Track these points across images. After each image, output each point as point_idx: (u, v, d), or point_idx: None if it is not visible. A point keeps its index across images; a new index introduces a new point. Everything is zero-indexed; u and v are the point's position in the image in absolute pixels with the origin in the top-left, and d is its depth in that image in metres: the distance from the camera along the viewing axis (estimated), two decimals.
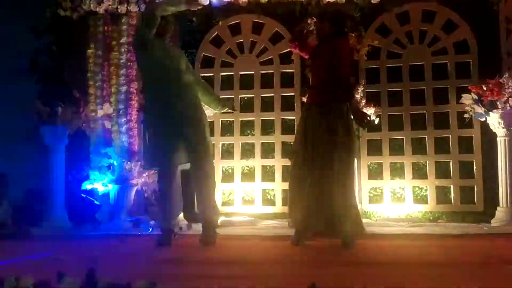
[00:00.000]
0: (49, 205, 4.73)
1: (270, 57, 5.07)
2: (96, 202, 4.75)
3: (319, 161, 3.16)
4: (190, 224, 4.30)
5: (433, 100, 4.78)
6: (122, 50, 5.28)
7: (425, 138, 4.77)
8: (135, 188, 4.82)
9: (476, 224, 4.42)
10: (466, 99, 4.47)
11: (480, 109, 4.39)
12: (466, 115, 4.54)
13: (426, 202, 4.72)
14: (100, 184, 4.77)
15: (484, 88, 4.33)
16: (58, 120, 4.85)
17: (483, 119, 4.46)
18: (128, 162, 4.88)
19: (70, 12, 5.31)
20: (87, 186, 4.80)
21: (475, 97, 4.40)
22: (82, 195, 4.76)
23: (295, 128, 4.88)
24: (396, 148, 4.84)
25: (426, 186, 4.74)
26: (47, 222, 4.66)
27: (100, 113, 5.18)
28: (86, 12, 5.29)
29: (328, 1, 4.79)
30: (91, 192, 4.83)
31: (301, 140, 3.25)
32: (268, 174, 5.02)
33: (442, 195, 4.73)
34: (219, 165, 5.05)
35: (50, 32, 5.40)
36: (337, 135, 3.13)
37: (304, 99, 3.58)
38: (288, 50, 4.99)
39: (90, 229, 4.55)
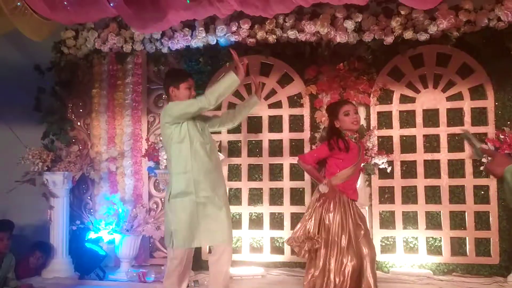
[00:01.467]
0: (53, 255, 4.66)
1: (279, 99, 4.92)
2: (101, 252, 4.64)
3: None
4: (198, 282, 4.21)
5: (448, 147, 4.61)
6: (127, 90, 5.18)
7: (439, 186, 4.61)
8: (140, 236, 4.71)
9: (492, 279, 4.29)
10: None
11: None
12: (482, 168, 4.38)
13: (440, 253, 4.57)
14: (105, 233, 4.68)
15: (501, 140, 4.18)
16: (62, 166, 4.76)
17: None
18: (134, 210, 4.78)
19: (75, 50, 5.21)
20: (91, 235, 4.71)
21: (492, 147, 4.24)
22: (87, 244, 4.65)
23: (304, 177, 4.78)
24: (409, 196, 4.68)
25: (440, 237, 4.58)
26: (51, 273, 4.59)
27: (104, 156, 5.08)
28: (91, 51, 5.19)
29: (339, 43, 4.64)
30: (96, 241, 4.73)
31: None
32: (276, 221, 4.88)
33: (456, 246, 4.57)
34: None
35: (54, 70, 5.30)
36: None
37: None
38: (298, 93, 4.88)
39: (95, 280, 4.47)
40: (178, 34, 4.89)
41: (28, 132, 5.24)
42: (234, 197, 4.97)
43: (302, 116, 4.86)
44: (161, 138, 4.24)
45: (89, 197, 5.19)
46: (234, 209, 4.92)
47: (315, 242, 3.19)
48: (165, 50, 5.01)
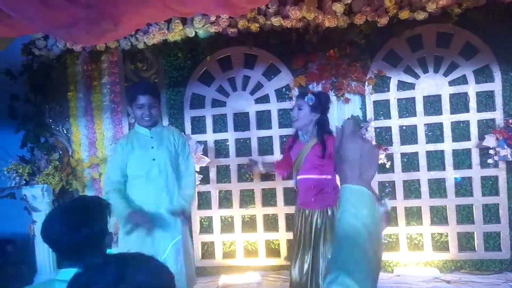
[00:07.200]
0: (39, 270, 4.48)
1: (266, 93, 4.54)
2: None
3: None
4: None
5: (452, 136, 4.23)
6: (105, 91, 4.83)
7: (444, 179, 4.26)
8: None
9: (503, 275, 4.06)
10: (489, 141, 3.93)
11: (505, 152, 3.86)
12: (490, 160, 4.01)
13: (447, 249, 4.27)
14: None
15: (509, 131, 3.80)
16: (40, 178, 4.50)
17: (510, 160, 3.94)
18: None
19: (46, 52, 4.84)
20: None
21: (500, 138, 3.87)
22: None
23: None
24: (412, 190, 4.35)
25: (447, 233, 4.27)
26: None
27: (85, 164, 4.80)
28: (63, 51, 4.82)
29: (328, 27, 4.22)
30: None
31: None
32: (271, 222, 4.60)
33: (464, 241, 4.27)
34: (218, 214, 4.65)
35: (27, 74, 4.95)
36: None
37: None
38: (286, 85, 4.51)
39: None
40: (154, 28, 4.49)
41: (8, 141, 4.97)
42: (225, 199, 4.68)
43: (291, 109, 4.48)
44: None
45: None
46: (225, 212, 4.67)
47: None
48: (141, 45, 4.64)
